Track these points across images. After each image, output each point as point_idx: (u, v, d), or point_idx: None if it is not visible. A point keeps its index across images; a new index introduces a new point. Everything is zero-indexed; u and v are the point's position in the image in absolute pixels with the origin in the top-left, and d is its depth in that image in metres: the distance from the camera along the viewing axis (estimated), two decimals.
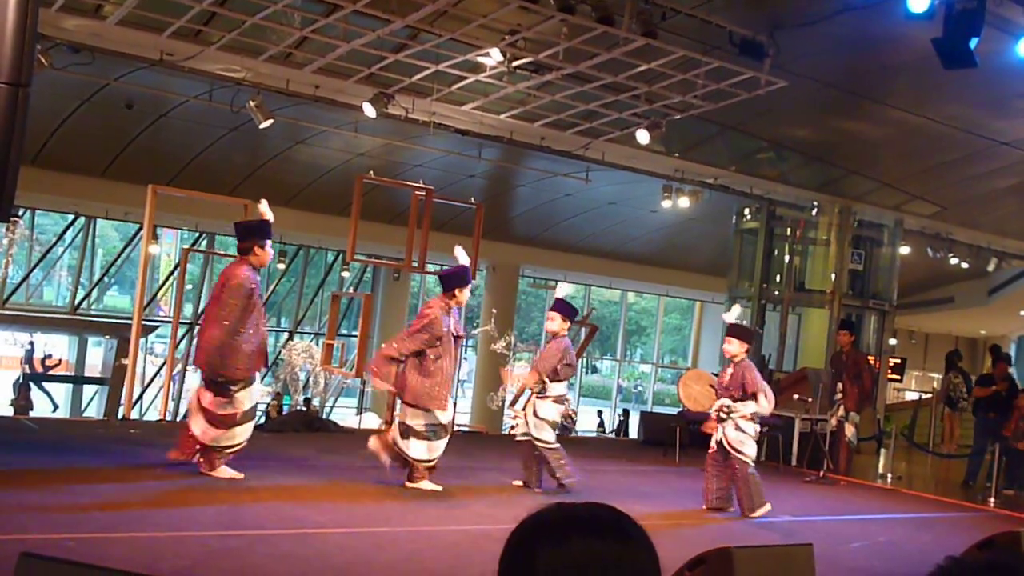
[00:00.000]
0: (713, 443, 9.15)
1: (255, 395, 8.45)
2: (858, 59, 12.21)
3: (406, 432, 8.48)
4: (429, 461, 8.55)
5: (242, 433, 8.25)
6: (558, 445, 9.18)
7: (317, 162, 18.18)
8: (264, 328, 8.48)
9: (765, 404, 8.92)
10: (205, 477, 8.29)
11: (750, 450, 8.93)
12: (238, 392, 8.17)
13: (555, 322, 9.32)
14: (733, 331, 9.21)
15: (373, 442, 8.70)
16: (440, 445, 8.56)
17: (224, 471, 8.20)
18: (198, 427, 8.13)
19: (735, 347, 9.07)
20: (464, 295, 8.87)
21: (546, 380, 9.09)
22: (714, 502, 9.13)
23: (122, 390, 14.86)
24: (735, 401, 8.94)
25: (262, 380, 9.07)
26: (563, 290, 9.81)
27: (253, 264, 8.41)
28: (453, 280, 8.85)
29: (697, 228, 21.38)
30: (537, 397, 9.14)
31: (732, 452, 8.89)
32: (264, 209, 8.57)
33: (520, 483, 9.32)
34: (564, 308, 9.42)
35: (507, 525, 1.57)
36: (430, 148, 16.63)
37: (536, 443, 9.10)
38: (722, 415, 9.04)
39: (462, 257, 9.06)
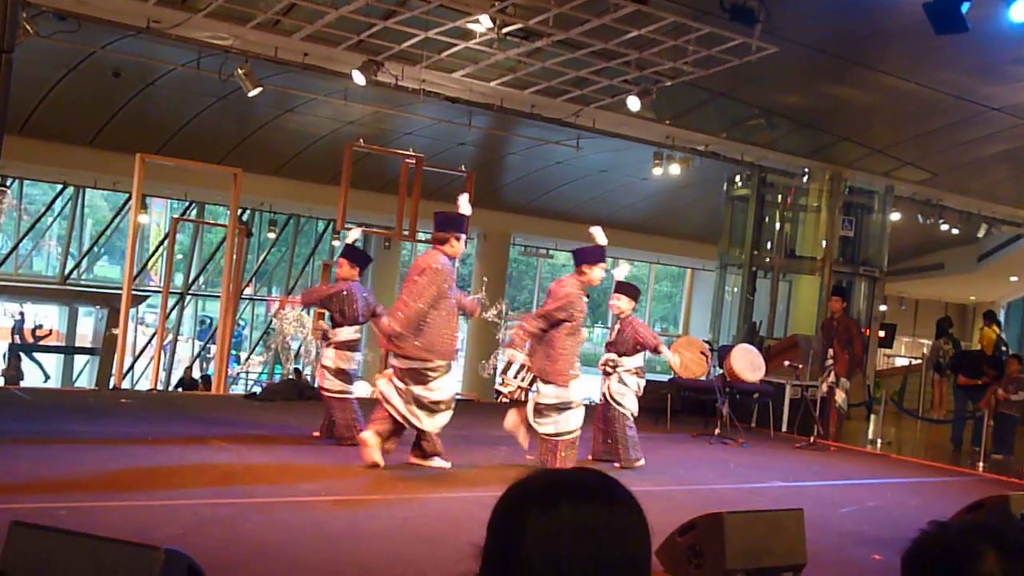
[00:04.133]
0: (599, 396, 9.45)
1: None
2: (849, 24, 12.16)
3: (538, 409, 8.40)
4: (561, 435, 8.40)
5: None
6: (348, 395, 9.07)
7: (307, 130, 18.09)
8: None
9: (670, 354, 9.45)
10: (196, 446, 8.33)
11: (630, 403, 9.13)
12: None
13: (344, 268, 9.28)
14: (620, 288, 9.42)
15: (511, 420, 8.63)
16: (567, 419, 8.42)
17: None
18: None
19: (623, 303, 9.31)
20: (594, 273, 8.56)
21: (326, 327, 9.07)
22: (599, 454, 9.29)
23: (113, 360, 14.84)
24: (621, 356, 9.21)
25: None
26: (353, 235, 9.74)
27: (447, 254, 8.37)
28: (584, 257, 8.64)
29: (688, 195, 21.35)
30: (324, 344, 9.13)
31: (612, 404, 9.14)
32: (462, 203, 8.59)
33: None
34: (353, 255, 9.41)
35: (498, 492, 1.57)
36: (420, 116, 16.55)
37: (321, 391, 9.10)
38: (608, 369, 9.28)
39: (600, 237, 8.85)
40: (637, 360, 9.27)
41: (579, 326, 8.50)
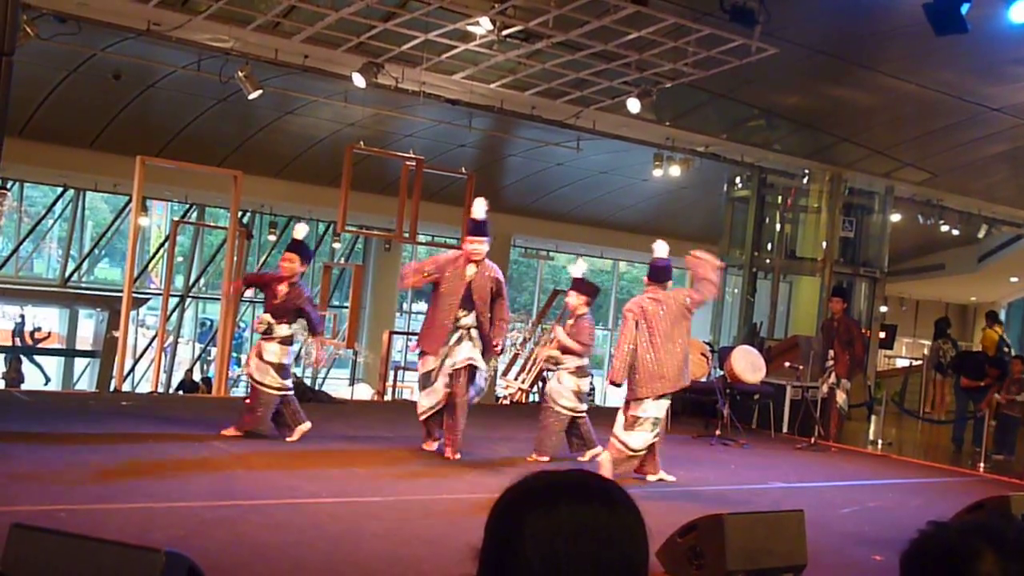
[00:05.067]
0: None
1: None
2: (849, 25, 12.16)
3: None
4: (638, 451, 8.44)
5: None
6: (277, 393, 9.03)
7: (307, 132, 18.09)
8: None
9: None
10: (197, 447, 8.34)
11: (565, 402, 9.11)
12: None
13: (296, 264, 9.22)
14: (576, 285, 9.39)
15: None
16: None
17: None
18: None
19: (574, 299, 9.26)
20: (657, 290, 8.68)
21: (272, 321, 9.03)
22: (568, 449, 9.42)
23: (113, 362, 14.84)
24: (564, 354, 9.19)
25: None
26: (300, 232, 9.61)
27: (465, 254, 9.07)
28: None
29: (688, 196, 21.34)
30: (263, 339, 9.11)
31: (548, 402, 9.24)
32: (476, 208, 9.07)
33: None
34: (306, 251, 9.52)
35: (498, 493, 1.57)
36: (420, 118, 16.55)
37: (255, 385, 9.06)
38: (549, 366, 9.44)
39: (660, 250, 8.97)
40: (578, 360, 9.17)
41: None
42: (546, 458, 9.08)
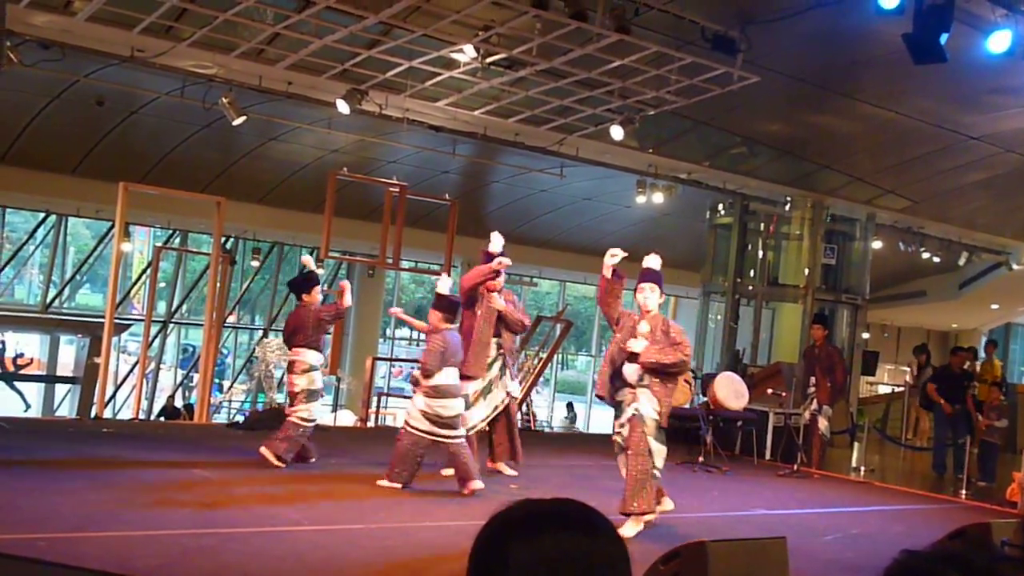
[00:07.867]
0: None
1: None
2: (830, 54, 12.27)
3: None
4: None
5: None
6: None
7: (291, 159, 18.09)
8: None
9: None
10: (179, 475, 8.29)
11: (415, 423, 8.62)
12: None
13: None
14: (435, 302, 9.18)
15: None
16: None
17: None
18: None
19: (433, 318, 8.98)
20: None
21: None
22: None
23: (95, 389, 14.75)
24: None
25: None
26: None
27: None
28: None
29: (671, 223, 21.42)
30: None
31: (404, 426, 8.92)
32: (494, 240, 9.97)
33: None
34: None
35: (481, 521, 1.57)
36: (404, 144, 16.58)
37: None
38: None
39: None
40: (434, 379, 8.61)
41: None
42: (398, 485, 8.57)
